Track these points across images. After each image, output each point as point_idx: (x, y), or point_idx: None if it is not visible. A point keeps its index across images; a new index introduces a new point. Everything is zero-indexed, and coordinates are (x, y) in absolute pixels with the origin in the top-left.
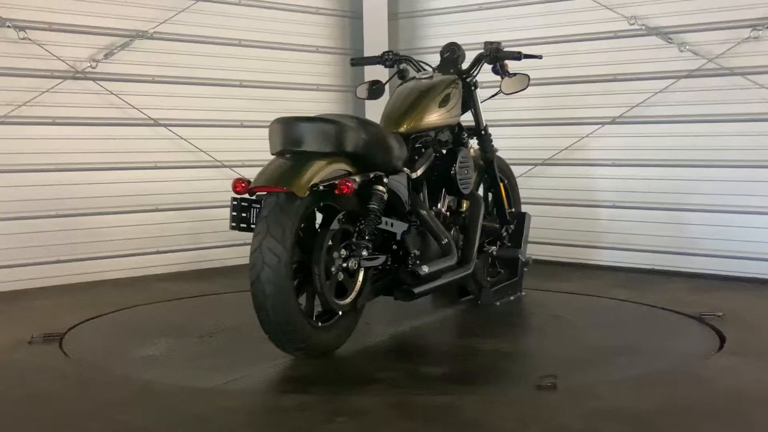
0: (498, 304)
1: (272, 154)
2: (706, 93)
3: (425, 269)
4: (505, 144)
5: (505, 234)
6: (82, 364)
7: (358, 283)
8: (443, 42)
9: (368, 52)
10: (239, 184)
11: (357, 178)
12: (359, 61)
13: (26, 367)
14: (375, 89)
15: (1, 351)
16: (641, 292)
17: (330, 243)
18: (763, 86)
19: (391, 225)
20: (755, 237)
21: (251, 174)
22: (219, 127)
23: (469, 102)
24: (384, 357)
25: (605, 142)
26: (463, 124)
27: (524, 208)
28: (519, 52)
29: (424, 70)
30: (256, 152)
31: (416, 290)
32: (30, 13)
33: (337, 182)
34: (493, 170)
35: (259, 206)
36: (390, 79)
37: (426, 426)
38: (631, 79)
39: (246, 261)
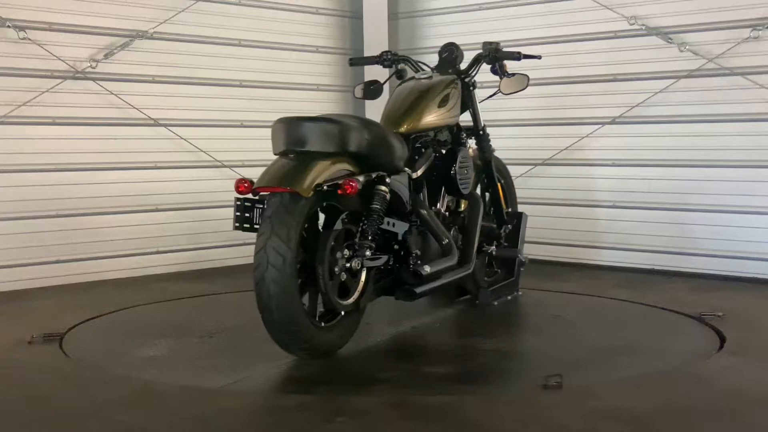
0: (496, 303)
1: (275, 154)
2: (706, 93)
3: (427, 269)
4: (505, 144)
5: (502, 234)
6: (82, 364)
7: (361, 283)
8: (443, 42)
9: (368, 52)
10: (242, 185)
11: (360, 178)
12: (357, 61)
13: (26, 367)
14: (373, 89)
15: (1, 351)
16: (641, 292)
17: (333, 243)
18: (763, 86)
19: (393, 225)
20: (755, 237)
21: (251, 174)
22: (219, 127)
23: (467, 102)
24: (384, 357)
25: (605, 142)
26: (461, 124)
27: (525, 208)
28: (518, 53)
29: (423, 70)
30: (256, 152)
31: (418, 290)
32: (30, 13)
33: (341, 182)
34: (491, 170)
35: (262, 206)
36: (388, 79)
37: (426, 426)
38: (631, 79)
39: (246, 261)
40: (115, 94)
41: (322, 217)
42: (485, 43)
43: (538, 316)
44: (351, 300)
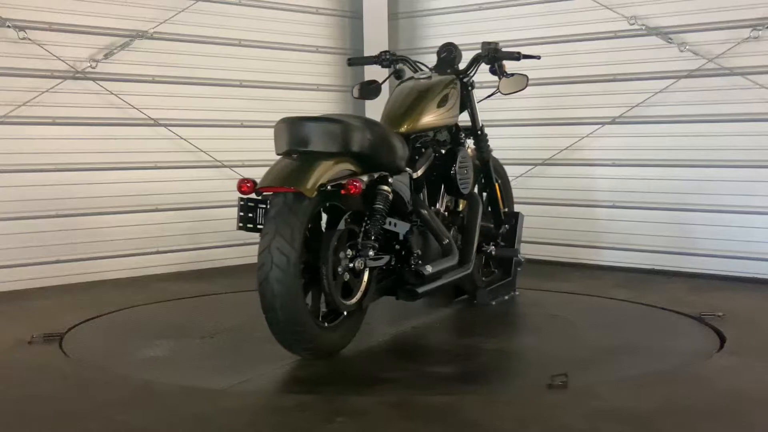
0: (494, 303)
1: (278, 154)
2: (706, 93)
3: (429, 269)
4: (505, 144)
5: (500, 234)
6: (82, 364)
7: (364, 283)
8: (443, 42)
9: (368, 52)
10: (245, 185)
11: (364, 178)
12: (356, 61)
13: (26, 367)
14: (371, 89)
15: (1, 351)
16: (641, 292)
17: (336, 243)
18: (763, 86)
19: (395, 225)
20: (755, 237)
21: (251, 174)
22: (219, 127)
23: (466, 102)
24: (385, 357)
25: (605, 142)
26: (460, 124)
27: (525, 209)
28: (518, 53)
29: (421, 70)
30: (256, 152)
31: (420, 290)
32: (30, 13)
33: (344, 182)
34: (489, 170)
35: (265, 206)
36: (386, 79)
37: (426, 426)
38: (631, 79)
39: (246, 261)
40: (115, 94)
41: (324, 217)
42: (484, 44)
43: (538, 316)
44: (354, 300)
